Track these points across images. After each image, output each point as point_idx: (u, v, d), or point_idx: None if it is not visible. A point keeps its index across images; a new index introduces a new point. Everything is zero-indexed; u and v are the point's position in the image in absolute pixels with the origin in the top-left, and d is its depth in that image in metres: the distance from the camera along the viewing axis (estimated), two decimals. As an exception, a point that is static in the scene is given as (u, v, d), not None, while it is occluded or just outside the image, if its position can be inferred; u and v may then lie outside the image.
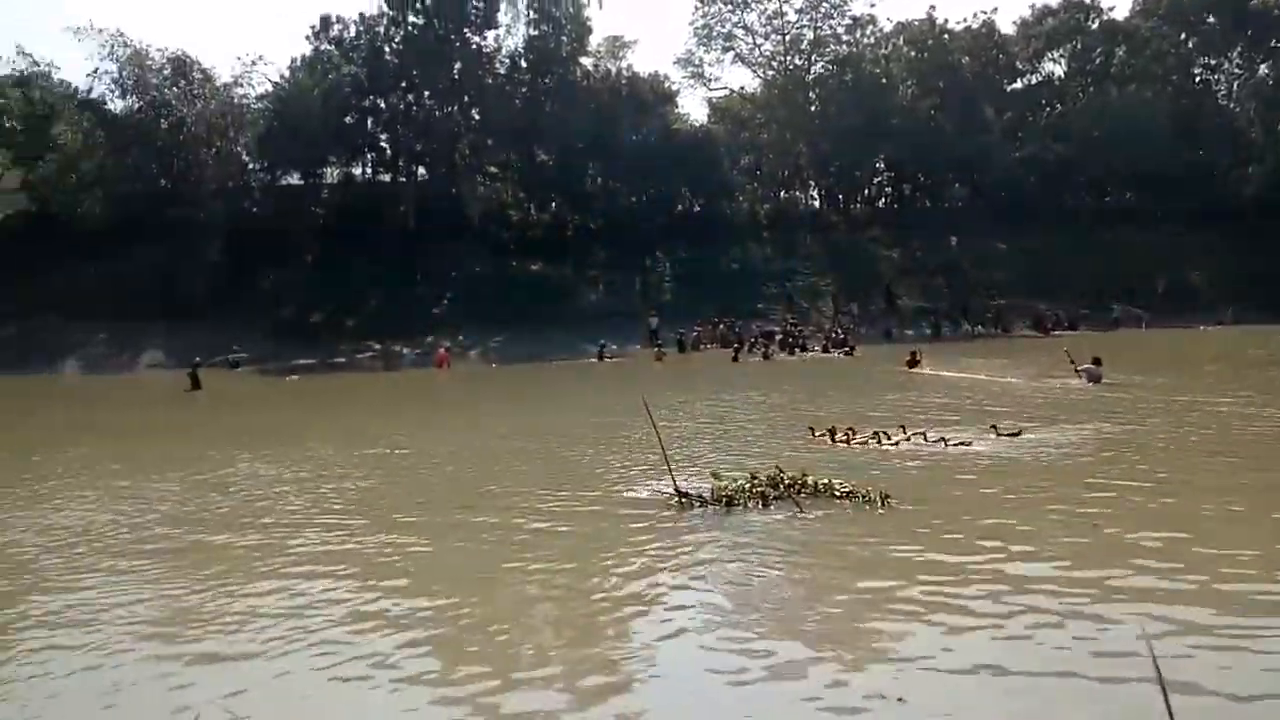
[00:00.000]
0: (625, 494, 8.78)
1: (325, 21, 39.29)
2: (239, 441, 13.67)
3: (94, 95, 36.68)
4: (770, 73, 47.05)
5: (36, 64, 39.03)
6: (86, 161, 35.74)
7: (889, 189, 49.64)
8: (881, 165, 47.77)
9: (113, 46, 35.42)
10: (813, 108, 45.71)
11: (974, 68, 45.07)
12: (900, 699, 4.18)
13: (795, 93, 45.52)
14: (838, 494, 8.03)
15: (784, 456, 9.78)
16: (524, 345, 31.96)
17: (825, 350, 30.65)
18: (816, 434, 11.49)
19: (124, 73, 35.62)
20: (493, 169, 41.75)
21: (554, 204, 42.93)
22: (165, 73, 35.79)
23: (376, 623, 5.56)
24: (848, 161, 45.42)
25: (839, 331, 33.44)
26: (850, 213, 46.92)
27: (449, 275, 36.77)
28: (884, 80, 44.18)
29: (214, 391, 23.58)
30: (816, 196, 49.63)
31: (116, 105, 36.45)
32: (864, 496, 7.88)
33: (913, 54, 45.31)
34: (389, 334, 32.86)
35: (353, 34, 39.16)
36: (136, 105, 35.66)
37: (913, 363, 22.18)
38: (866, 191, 49.53)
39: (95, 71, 36.04)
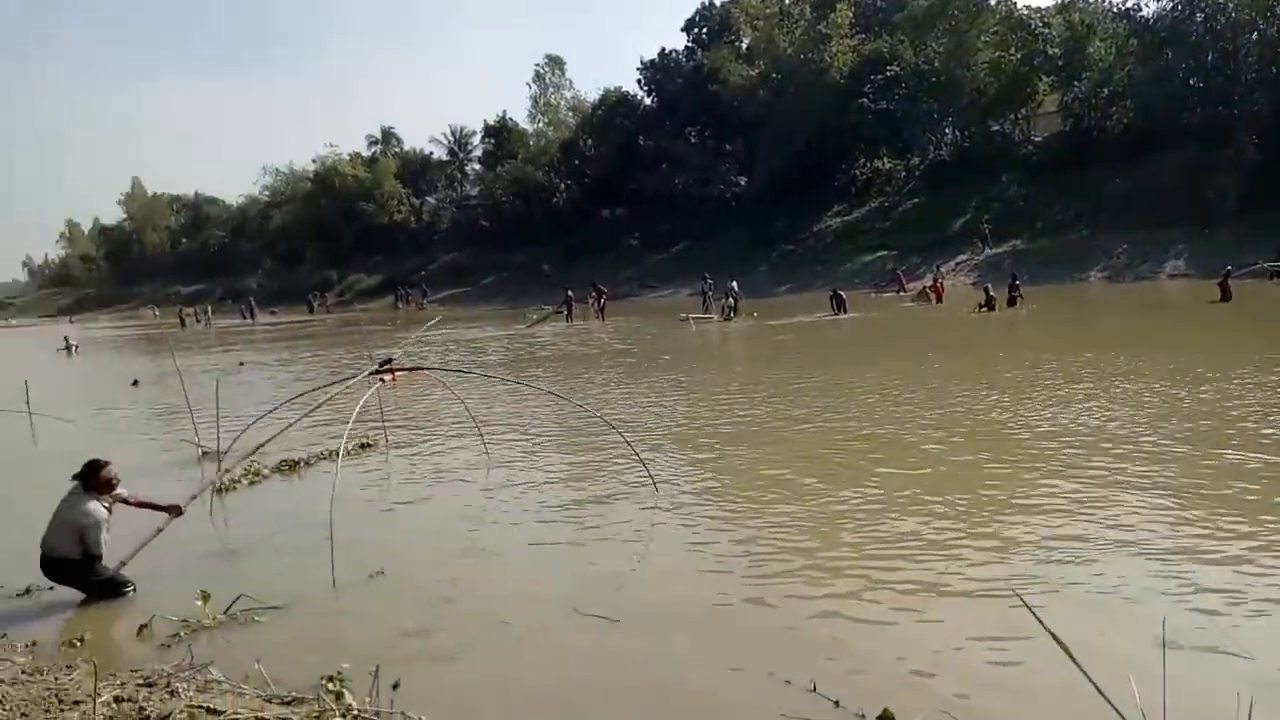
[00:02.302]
0: None
1: None
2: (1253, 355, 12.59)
3: (1128, 5, 36.68)
4: None
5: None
6: (1117, 74, 36.34)
7: None
8: None
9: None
10: None
11: None
12: None
13: None
14: None
15: None
16: None
17: None
18: None
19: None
20: None
21: None
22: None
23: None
24: None
25: None
26: None
27: None
28: None
29: (1243, 303, 21.35)
30: None
31: (1148, 10, 35.70)
32: None
33: None
34: None
35: None
36: (1170, 5, 34.14)
37: None
38: None
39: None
